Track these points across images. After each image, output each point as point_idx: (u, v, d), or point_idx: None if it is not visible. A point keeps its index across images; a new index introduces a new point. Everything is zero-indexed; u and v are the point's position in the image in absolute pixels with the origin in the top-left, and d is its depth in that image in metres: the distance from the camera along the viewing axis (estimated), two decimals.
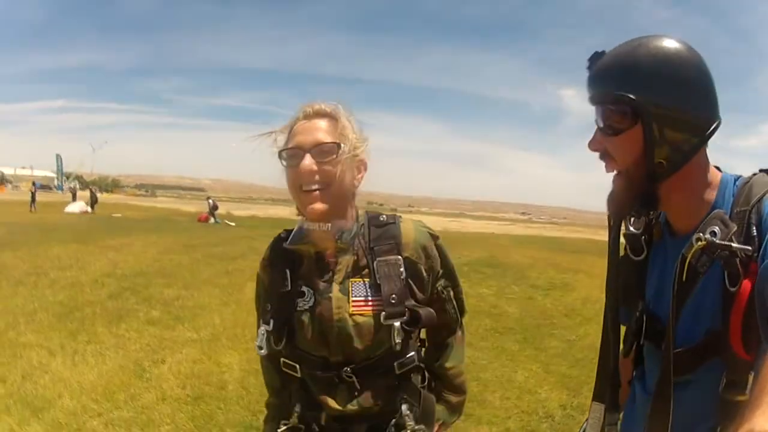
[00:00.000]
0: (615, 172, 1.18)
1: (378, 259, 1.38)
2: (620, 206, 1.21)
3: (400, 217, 1.48)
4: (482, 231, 35.91)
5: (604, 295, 1.35)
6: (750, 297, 1.01)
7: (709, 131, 1.11)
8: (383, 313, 1.34)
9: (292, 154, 1.33)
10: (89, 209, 32.84)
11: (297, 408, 1.45)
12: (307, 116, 1.37)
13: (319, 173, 1.31)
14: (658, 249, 1.29)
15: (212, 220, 29.31)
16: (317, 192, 1.32)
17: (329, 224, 1.36)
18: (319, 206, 1.31)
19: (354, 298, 1.37)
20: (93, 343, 5.73)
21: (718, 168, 1.20)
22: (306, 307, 1.39)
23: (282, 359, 1.45)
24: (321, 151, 1.31)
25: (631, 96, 1.08)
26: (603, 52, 1.15)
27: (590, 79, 1.17)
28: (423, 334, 1.59)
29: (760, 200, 1.08)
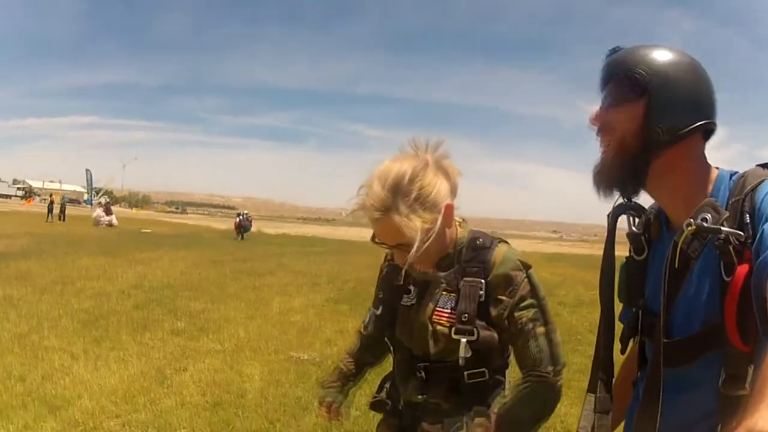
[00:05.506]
0: (605, 147, 1.26)
1: (464, 279, 1.55)
2: (608, 177, 1.26)
3: (499, 242, 1.61)
4: None
5: (618, 298, 1.41)
6: (744, 286, 1.03)
7: (702, 122, 1.19)
8: (454, 328, 1.52)
9: None
10: (115, 221, 33.56)
11: (387, 384, 1.77)
12: None
13: None
14: (656, 246, 1.34)
15: (237, 234, 29.28)
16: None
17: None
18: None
19: (438, 308, 1.58)
20: (116, 350, 5.91)
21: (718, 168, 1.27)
22: (408, 303, 1.66)
23: (386, 339, 1.73)
24: None
25: (642, 71, 1.19)
26: (620, 47, 1.28)
27: (608, 61, 1.28)
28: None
29: (753, 189, 1.13)
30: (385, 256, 1.79)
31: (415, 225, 1.45)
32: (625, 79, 1.23)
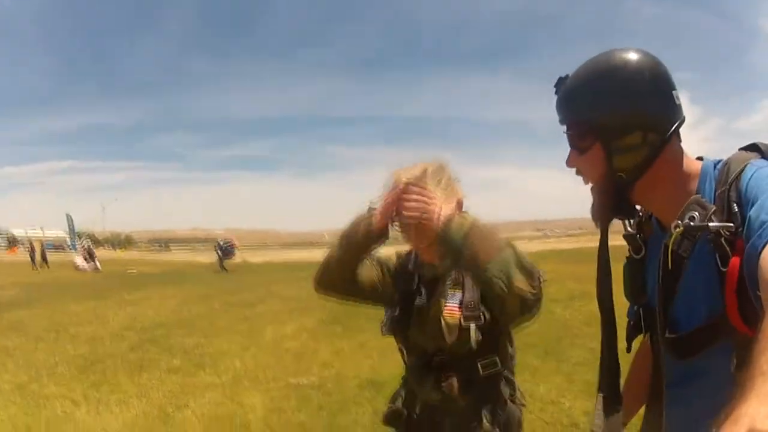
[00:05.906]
0: (588, 185, 1.32)
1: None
2: (600, 216, 1.33)
3: None
4: None
5: (624, 297, 1.47)
6: (741, 274, 1.04)
7: (668, 134, 1.20)
8: (463, 316, 1.69)
9: None
10: (99, 266, 32.54)
11: (402, 393, 1.89)
12: None
13: None
14: (652, 246, 1.36)
15: (220, 266, 27.37)
16: None
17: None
18: None
19: (448, 303, 1.73)
20: (116, 392, 5.97)
21: (701, 158, 1.29)
22: (420, 304, 1.81)
23: (399, 343, 1.89)
24: None
25: (585, 119, 1.24)
26: (567, 77, 1.29)
27: (556, 104, 1.32)
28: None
29: (737, 177, 1.13)
30: (399, 252, 1.95)
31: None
32: (576, 129, 1.27)
